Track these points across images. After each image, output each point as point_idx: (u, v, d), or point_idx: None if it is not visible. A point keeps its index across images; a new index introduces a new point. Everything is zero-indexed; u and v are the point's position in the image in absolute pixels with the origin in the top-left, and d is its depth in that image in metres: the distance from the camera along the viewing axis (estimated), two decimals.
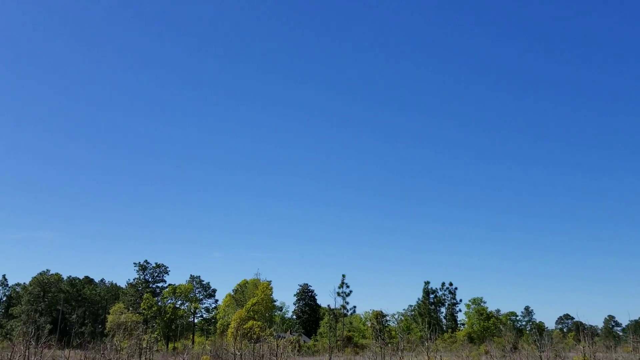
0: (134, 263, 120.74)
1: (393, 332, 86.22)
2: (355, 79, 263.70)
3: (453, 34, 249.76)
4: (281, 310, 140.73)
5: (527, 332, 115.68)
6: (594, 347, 51.32)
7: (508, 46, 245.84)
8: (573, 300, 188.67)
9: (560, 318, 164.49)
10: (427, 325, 77.03)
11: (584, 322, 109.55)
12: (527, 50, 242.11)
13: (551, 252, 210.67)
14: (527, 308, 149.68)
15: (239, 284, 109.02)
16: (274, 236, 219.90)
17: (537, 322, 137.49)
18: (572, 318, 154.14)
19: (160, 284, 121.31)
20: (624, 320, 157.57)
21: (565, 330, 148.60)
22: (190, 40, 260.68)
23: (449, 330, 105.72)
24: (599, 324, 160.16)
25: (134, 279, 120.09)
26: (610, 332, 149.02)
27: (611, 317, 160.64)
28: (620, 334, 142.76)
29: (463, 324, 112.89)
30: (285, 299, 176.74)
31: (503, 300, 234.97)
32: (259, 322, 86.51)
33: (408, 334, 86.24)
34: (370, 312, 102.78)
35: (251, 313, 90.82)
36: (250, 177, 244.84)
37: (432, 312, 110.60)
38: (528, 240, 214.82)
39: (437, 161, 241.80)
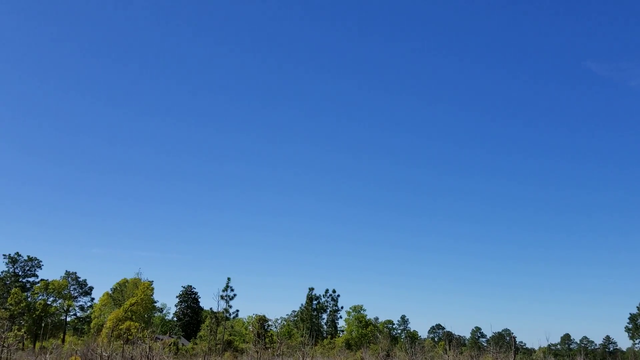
0: (4, 255, 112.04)
1: (274, 337, 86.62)
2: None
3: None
4: (161, 312, 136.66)
5: (402, 340, 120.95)
6: (459, 356, 54.72)
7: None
8: (445, 312, 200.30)
9: (433, 328, 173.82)
10: (307, 331, 78.17)
11: (453, 332, 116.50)
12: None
13: (427, 265, 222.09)
14: (403, 317, 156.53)
15: (118, 283, 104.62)
16: (158, 235, 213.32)
17: (412, 330, 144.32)
18: (443, 328, 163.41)
19: (31, 279, 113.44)
20: (488, 332, 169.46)
21: (436, 339, 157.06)
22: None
23: (329, 336, 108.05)
24: (467, 334, 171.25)
25: (1, 272, 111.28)
26: (476, 342, 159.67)
27: (478, 329, 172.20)
28: (485, 344, 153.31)
29: (343, 331, 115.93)
30: (167, 300, 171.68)
31: (382, 309, 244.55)
32: (136, 323, 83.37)
33: (289, 339, 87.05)
34: (254, 316, 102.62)
35: (129, 313, 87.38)
36: (134, 176, 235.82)
37: (314, 318, 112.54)
38: (407, 253, 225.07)
39: (326, 161, 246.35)
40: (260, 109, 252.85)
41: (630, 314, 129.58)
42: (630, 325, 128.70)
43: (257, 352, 44.48)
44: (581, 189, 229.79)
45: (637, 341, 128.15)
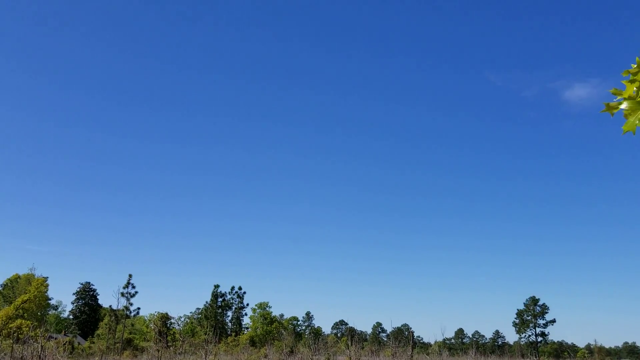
0: None
1: (177, 335, 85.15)
2: None
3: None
4: (57, 310, 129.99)
5: (306, 336, 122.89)
6: (361, 351, 56.51)
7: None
8: (349, 308, 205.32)
9: (336, 323, 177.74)
10: (211, 329, 77.58)
11: (355, 328, 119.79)
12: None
13: (332, 262, 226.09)
14: (308, 313, 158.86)
15: (9, 279, 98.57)
16: (54, 229, 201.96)
17: (316, 327, 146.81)
18: (346, 324, 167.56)
19: None
20: (388, 327, 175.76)
21: (339, 335, 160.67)
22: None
23: (233, 333, 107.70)
24: (369, 330, 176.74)
25: None
26: (377, 337, 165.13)
27: (379, 324, 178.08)
28: (385, 339, 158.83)
29: (248, 328, 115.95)
30: (64, 297, 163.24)
31: (288, 306, 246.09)
32: (28, 322, 78.90)
33: (192, 337, 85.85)
34: (156, 314, 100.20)
35: (20, 311, 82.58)
36: (32, 159, 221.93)
37: (219, 316, 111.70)
38: (313, 249, 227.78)
39: (233, 161, 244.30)
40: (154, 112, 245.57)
41: (517, 309, 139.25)
42: (517, 321, 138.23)
43: (159, 351, 43.74)
44: (477, 192, 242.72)
45: (522, 335, 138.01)
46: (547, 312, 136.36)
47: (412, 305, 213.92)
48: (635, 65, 2.60)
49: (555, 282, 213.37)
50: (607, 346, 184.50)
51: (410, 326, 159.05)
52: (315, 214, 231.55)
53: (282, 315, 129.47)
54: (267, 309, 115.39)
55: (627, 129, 2.44)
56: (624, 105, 2.48)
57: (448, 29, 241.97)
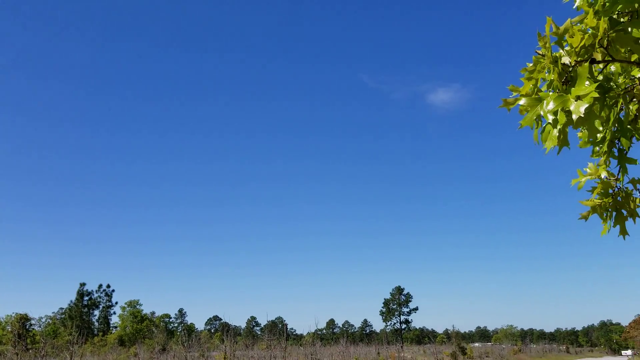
0: None
1: (37, 337, 79.04)
2: None
3: None
4: None
5: (179, 333, 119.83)
6: (234, 346, 56.37)
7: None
8: (222, 303, 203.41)
9: (210, 319, 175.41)
10: (76, 329, 73.05)
11: (229, 323, 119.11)
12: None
13: (206, 258, 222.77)
14: (180, 310, 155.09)
15: None
16: None
17: (189, 323, 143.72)
18: (220, 319, 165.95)
19: None
20: (263, 321, 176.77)
21: (213, 330, 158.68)
22: None
23: (101, 333, 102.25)
24: (243, 324, 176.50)
25: None
26: (251, 331, 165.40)
27: (253, 318, 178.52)
28: (259, 333, 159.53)
29: (116, 327, 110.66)
30: None
31: (160, 303, 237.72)
32: None
33: (54, 339, 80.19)
34: (13, 315, 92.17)
35: None
36: None
37: (85, 315, 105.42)
38: (183, 245, 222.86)
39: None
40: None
41: (384, 299, 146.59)
42: (384, 309, 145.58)
43: (17, 355, 40.42)
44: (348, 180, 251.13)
45: (388, 323, 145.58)
46: (410, 301, 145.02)
47: (286, 299, 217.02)
48: (532, 64, 3.00)
49: (418, 272, 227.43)
50: (462, 331, 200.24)
51: (284, 319, 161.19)
52: (183, 210, 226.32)
53: (153, 313, 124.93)
54: (138, 306, 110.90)
55: (525, 124, 2.81)
56: (522, 102, 2.85)
57: (327, 30, 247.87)
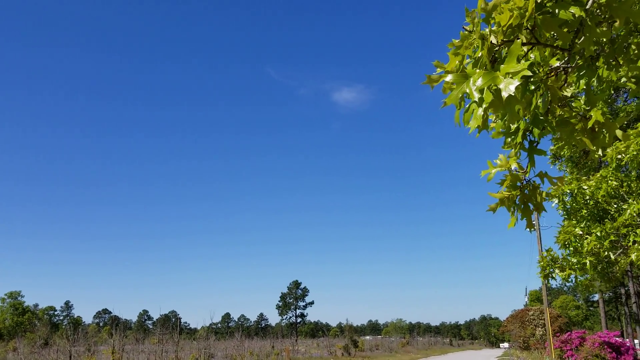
0: None
1: None
2: None
3: None
4: None
5: (64, 326, 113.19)
6: (124, 340, 53.88)
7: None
8: (113, 296, 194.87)
9: (99, 313, 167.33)
10: None
11: (119, 317, 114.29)
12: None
13: (90, 248, 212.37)
14: (67, 303, 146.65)
15: None
16: None
17: (76, 316, 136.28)
18: (110, 312, 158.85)
19: None
20: (156, 315, 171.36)
21: (102, 324, 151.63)
22: None
23: None
24: (134, 318, 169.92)
25: None
26: (142, 325, 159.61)
27: (145, 312, 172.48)
28: (151, 327, 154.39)
29: None
30: None
31: (44, 295, 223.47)
32: None
33: None
34: None
35: None
36: None
37: None
38: (72, 234, 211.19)
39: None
40: None
41: (281, 293, 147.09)
42: (280, 303, 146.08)
43: None
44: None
45: (284, 317, 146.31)
46: (307, 295, 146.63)
47: (180, 293, 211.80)
48: (459, 40, 2.82)
49: (315, 266, 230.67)
50: (355, 324, 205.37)
51: (178, 313, 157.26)
52: (74, 198, 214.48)
53: (36, 305, 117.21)
54: (19, 298, 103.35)
55: (450, 102, 2.62)
56: (448, 78, 2.65)
57: (237, 23, 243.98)
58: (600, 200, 10.76)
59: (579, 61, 3.61)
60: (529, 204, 3.99)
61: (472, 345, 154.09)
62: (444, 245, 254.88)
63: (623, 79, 4.15)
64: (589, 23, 2.95)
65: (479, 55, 2.65)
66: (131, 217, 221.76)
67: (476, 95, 2.46)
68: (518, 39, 2.76)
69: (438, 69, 2.86)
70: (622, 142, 10.23)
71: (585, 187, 10.93)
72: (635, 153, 10.04)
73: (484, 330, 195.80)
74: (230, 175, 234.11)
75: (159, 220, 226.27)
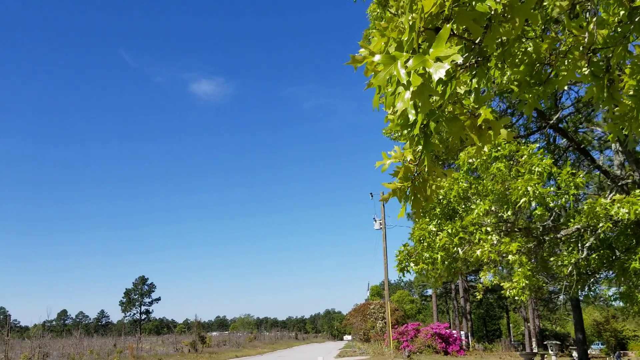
0: None
1: None
2: None
3: None
4: None
5: None
6: None
7: None
8: None
9: None
10: None
11: None
12: None
13: None
14: None
15: None
16: None
17: None
18: None
19: None
20: None
21: None
22: None
23: None
24: None
25: None
26: None
27: None
28: None
29: None
30: None
31: None
32: None
33: None
34: None
35: None
36: None
37: None
38: None
39: None
40: None
41: (126, 289, 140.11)
42: (124, 300, 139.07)
43: None
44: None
45: (128, 314, 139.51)
46: (154, 291, 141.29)
47: (9, 287, 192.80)
48: (384, 21, 2.76)
49: (163, 262, 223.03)
50: (203, 320, 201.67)
51: (6, 309, 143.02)
52: None
53: None
54: None
55: (377, 83, 2.56)
56: (376, 58, 2.58)
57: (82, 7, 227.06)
58: (452, 200, 11.58)
59: (472, 60, 3.77)
60: (419, 195, 4.11)
61: (316, 338, 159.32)
62: (293, 242, 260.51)
63: (506, 81, 4.47)
64: (493, 21, 3.09)
65: (404, 39, 2.62)
66: None
67: (404, 78, 2.43)
68: (437, 27, 2.78)
69: (362, 49, 2.79)
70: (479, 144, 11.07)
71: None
72: (485, 158, 10.95)
73: (327, 324, 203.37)
74: (72, 163, 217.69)
75: None
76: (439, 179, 4.06)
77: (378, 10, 18.61)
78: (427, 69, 2.37)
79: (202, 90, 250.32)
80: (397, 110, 2.53)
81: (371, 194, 48.70)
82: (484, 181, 11.06)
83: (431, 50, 2.43)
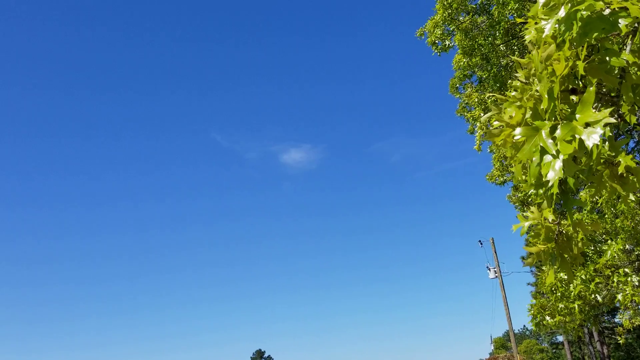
0: None
1: None
2: None
3: None
4: None
5: None
6: None
7: None
8: None
9: None
10: None
11: None
12: None
13: None
14: None
15: None
16: None
17: None
18: None
19: None
20: None
21: None
22: None
23: None
24: None
25: None
26: None
27: None
28: None
29: None
30: None
31: None
32: None
33: None
34: None
35: None
36: None
37: None
38: None
39: None
40: None
41: None
42: None
43: None
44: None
45: None
46: None
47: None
48: (518, 91, 2.71)
49: (279, 333, 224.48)
50: None
51: None
52: None
53: None
54: None
55: (525, 157, 2.48)
56: (517, 131, 2.52)
57: (177, 89, 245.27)
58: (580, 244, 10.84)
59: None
60: (565, 255, 3.85)
61: None
62: (404, 304, 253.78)
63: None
64: (629, 70, 2.93)
65: (543, 107, 2.54)
66: None
67: (553, 148, 2.33)
68: (573, 87, 2.68)
69: (497, 122, 2.73)
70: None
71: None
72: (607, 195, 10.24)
73: None
74: (181, 245, 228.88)
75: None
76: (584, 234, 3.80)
77: (464, 60, 18.56)
78: (577, 136, 2.27)
79: (292, 159, 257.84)
80: (548, 182, 2.42)
81: (480, 241, 46.79)
82: (616, 219, 10.31)
83: (578, 115, 2.33)
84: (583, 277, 10.59)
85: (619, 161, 3.74)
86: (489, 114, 2.69)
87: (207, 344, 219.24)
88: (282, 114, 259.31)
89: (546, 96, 2.49)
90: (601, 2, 2.59)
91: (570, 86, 2.71)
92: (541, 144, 2.38)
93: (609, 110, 2.34)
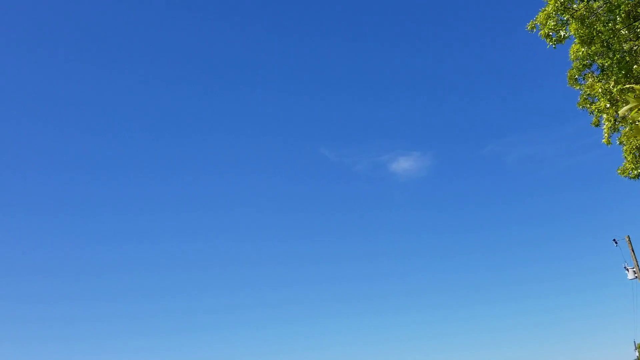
0: None
1: None
2: None
3: None
4: None
5: None
6: None
7: None
8: None
9: None
10: None
11: None
12: None
13: None
14: None
15: None
16: None
17: None
18: None
19: None
20: None
21: None
22: None
23: None
24: None
25: None
26: None
27: None
28: None
29: None
30: None
31: None
32: None
33: None
34: None
35: None
36: None
37: None
38: None
39: None
40: None
41: None
42: None
43: None
44: None
45: None
46: None
47: None
48: None
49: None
50: None
51: None
52: None
53: None
54: None
55: None
56: None
57: (286, 108, 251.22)
58: None
59: None
60: None
61: None
62: (535, 309, 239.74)
63: None
64: None
65: None
66: None
67: None
68: None
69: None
70: None
71: None
72: None
73: None
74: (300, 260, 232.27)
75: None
76: None
77: (582, 50, 17.55)
78: None
79: (401, 168, 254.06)
80: None
81: (614, 240, 43.42)
82: None
83: None
84: None
85: None
86: (628, 106, 2.60)
87: None
88: (389, 123, 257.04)
89: None
90: None
91: None
92: None
93: None
